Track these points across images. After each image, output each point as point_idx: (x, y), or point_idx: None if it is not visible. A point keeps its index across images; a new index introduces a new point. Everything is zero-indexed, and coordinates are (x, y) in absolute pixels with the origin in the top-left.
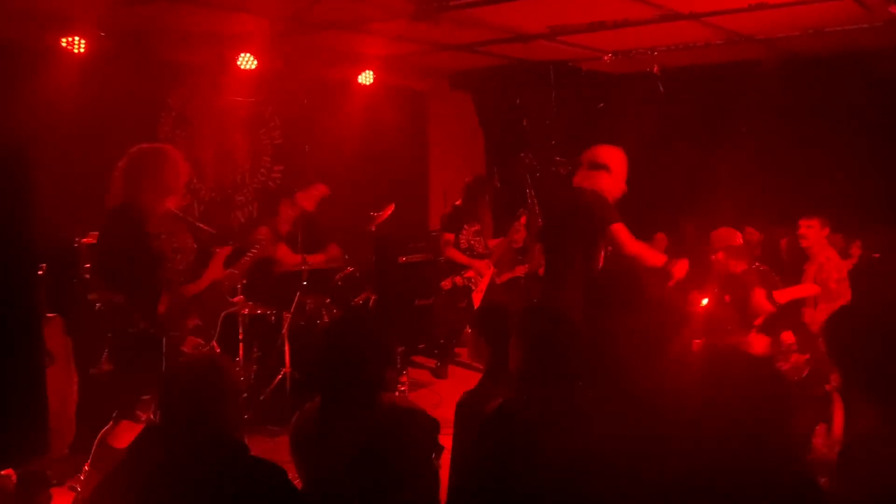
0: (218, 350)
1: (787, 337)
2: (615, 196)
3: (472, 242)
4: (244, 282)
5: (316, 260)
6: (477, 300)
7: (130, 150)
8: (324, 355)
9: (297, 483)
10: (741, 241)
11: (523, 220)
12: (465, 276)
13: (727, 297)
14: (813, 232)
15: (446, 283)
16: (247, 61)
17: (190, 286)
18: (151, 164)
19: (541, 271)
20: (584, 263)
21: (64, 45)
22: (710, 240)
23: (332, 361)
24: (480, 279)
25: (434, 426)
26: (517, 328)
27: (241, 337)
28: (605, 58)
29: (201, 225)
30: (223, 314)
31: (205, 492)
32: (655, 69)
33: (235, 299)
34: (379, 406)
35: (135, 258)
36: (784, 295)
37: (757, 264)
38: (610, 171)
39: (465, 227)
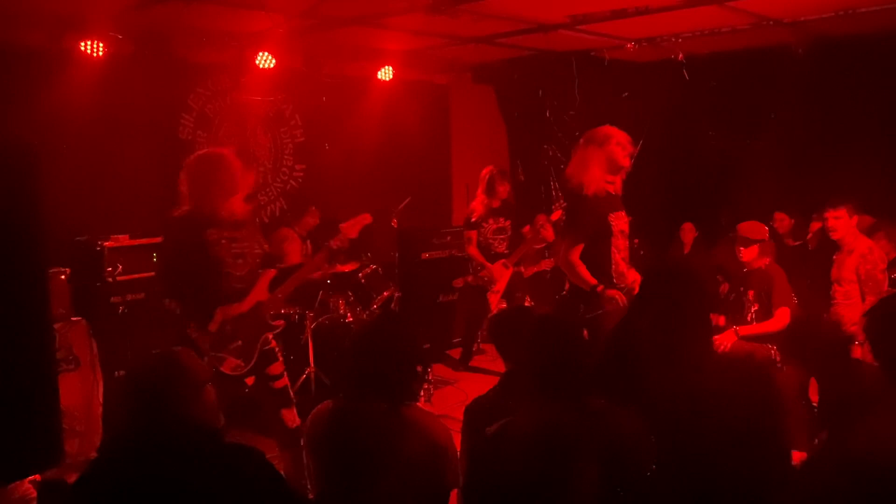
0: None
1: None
2: (605, 166)
3: (491, 241)
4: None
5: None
6: (493, 301)
7: (188, 159)
8: (355, 357)
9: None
10: (768, 236)
11: (554, 216)
12: (480, 275)
13: (751, 293)
14: (842, 223)
15: (458, 282)
16: (265, 60)
17: (234, 306)
18: (207, 169)
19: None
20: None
21: (83, 48)
22: (737, 232)
23: (362, 363)
24: (497, 280)
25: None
26: (528, 340)
27: None
28: (628, 46)
29: (262, 239)
30: (263, 337)
31: (181, 480)
32: (680, 56)
33: (277, 322)
34: (403, 415)
35: (192, 267)
36: (748, 329)
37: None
38: (599, 143)
39: (485, 224)
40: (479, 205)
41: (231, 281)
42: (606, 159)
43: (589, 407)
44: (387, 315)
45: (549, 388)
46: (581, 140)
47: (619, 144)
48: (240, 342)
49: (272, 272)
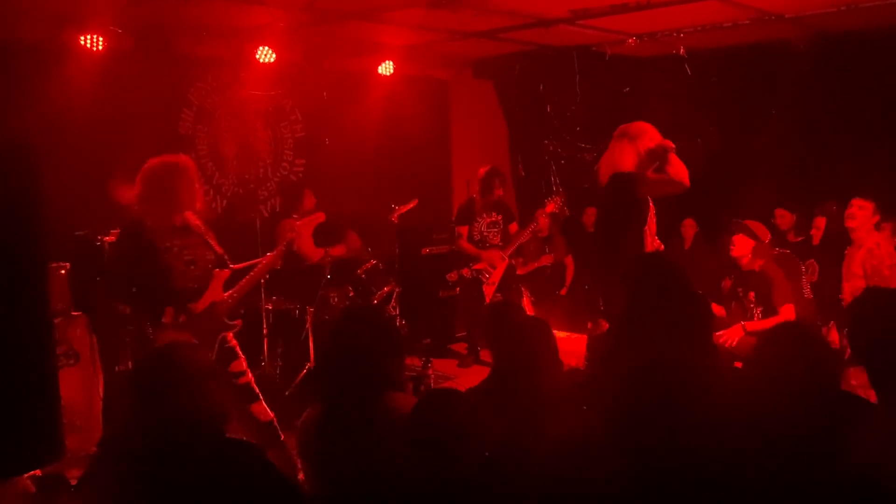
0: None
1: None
2: (638, 160)
3: (486, 234)
4: (267, 277)
5: (338, 252)
6: (488, 293)
7: (143, 168)
8: (327, 355)
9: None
10: (768, 238)
11: (549, 208)
12: (475, 268)
13: (751, 295)
14: (864, 214)
15: (452, 276)
16: (265, 54)
17: (189, 306)
18: (162, 179)
19: (567, 260)
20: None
21: (82, 43)
22: (741, 222)
23: (334, 361)
24: (493, 271)
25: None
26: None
27: (265, 332)
28: (630, 41)
29: (213, 243)
30: (220, 336)
31: (180, 475)
32: (682, 51)
33: (234, 322)
34: (386, 408)
35: (141, 275)
36: (755, 325)
37: (777, 250)
38: (631, 137)
39: (479, 219)
40: (472, 201)
41: (182, 286)
42: (637, 154)
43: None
44: (359, 308)
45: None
46: (614, 133)
47: (651, 141)
48: (195, 342)
49: (226, 273)
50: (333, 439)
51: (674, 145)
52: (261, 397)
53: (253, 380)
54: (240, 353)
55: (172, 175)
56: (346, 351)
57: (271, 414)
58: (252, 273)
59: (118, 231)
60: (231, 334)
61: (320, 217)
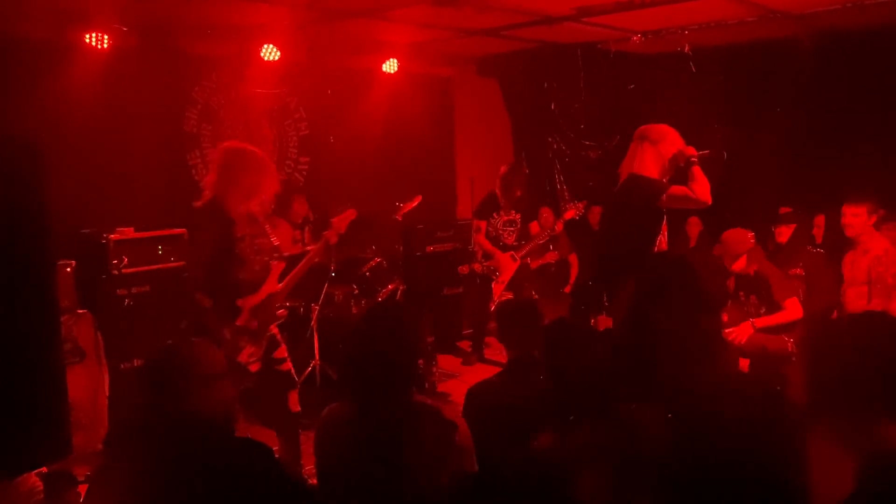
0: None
1: None
2: (660, 165)
3: (501, 232)
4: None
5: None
6: (497, 291)
7: (221, 146)
8: (353, 353)
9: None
10: (753, 242)
11: (569, 214)
12: (486, 264)
13: (753, 298)
14: (860, 221)
15: (463, 268)
16: (270, 52)
17: (250, 297)
18: (238, 163)
19: (571, 258)
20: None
21: (87, 41)
22: (722, 242)
23: (361, 360)
24: (503, 270)
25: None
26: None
27: None
28: (634, 38)
29: (271, 235)
30: (270, 326)
31: (188, 475)
32: (686, 49)
33: (281, 312)
34: (411, 405)
35: (221, 261)
36: (764, 321)
37: (810, 248)
38: (653, 141)
39: (495, 215)
40: (493, 196)
41: (248, 274)
42: (661, 160)
43: (619, 416)
44: (383, 305)
45: (577, 402)
46: (635, 134)
47: (673, 145)
48: (255, 332)
49: (282, 264)
50: (365, 437)
51: (697, 154)
52: (297, 387)
53: (293, 368)
54: (281, 340)
55: (250, 161)
56: (380, 349)
57: (299, 407)
58: (299, 266)
59: (196, 214)
60: (275, 324)
61: (352, 214)
